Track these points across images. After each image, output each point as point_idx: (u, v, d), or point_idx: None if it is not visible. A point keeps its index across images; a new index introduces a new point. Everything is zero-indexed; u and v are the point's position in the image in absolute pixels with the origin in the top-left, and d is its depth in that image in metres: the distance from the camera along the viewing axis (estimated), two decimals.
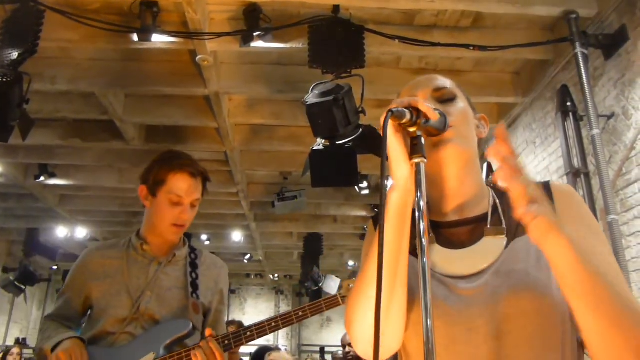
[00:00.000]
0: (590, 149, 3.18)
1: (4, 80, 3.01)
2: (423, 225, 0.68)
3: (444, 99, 0.96)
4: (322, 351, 12.10)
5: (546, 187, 0.93)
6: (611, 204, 2.90)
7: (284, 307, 14.97)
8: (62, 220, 7.91)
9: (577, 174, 3.28)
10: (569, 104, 3.40)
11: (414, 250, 0.75)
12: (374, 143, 3.36)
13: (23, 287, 8.64)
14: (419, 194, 0.71)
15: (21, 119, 3.20)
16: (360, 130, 3.18)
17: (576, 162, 3.32)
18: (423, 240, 0.67)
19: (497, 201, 0.95)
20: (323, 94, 2.98)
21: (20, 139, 3.37)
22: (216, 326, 1.70)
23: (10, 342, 10.09)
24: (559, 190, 0.93)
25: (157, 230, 1.68)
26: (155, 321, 1.58)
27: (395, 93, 1.06)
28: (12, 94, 3.06)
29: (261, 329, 1.60)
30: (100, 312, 1.59)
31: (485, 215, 0.93)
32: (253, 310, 14.72)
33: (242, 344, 1.62)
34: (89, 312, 1.67)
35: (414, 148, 0.75)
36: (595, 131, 3.03)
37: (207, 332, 1.56)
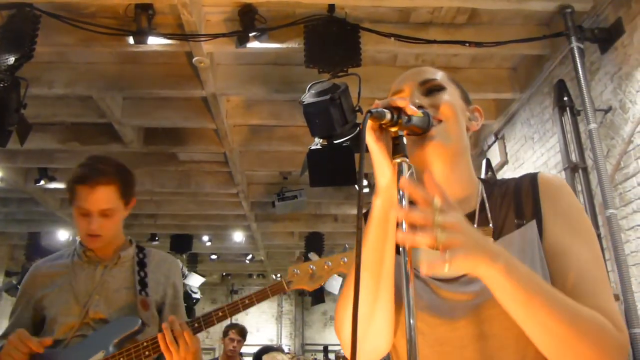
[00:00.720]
0: (587, 144, 3.17)
1: (1, 85, 3.02)
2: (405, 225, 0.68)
3: (431, 90, 0.94)
4: (325, 350, 12.12)
5: (533, 179, 0.92)
6: (609, 198, 2.90)
7: (287, 307, 14.98)
8: (63, 224, 7.92)
9: (575, 168, 3.27)
10: (565, 98, 3.39)
11: None
12: None
13: None
14: (401, 193, 0.70)
15: (19, 124, 3.21)
16: (358, 129, 3.19)
17: (574, 157, 3.31)
18: None
19: (486, 198, 0.93)
20: (319, 94, 2.98)
21: (19, 143, 3.38)
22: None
23: None
24: (546, 183, 0.91)
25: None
26: (105, 323, 1.59)
27: None
28: (9, 99, 3.08)
29: (208, 319, 1.59)
30: (51, 322, 1.60)
31: (473, 214, 0.91)
32: (255, 310, 14.70)
33: None
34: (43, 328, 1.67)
35: (395, 148, 0.74)
36: (593, 125, 3.03)
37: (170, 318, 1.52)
